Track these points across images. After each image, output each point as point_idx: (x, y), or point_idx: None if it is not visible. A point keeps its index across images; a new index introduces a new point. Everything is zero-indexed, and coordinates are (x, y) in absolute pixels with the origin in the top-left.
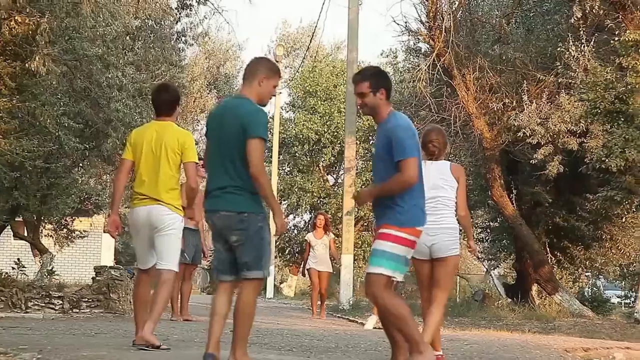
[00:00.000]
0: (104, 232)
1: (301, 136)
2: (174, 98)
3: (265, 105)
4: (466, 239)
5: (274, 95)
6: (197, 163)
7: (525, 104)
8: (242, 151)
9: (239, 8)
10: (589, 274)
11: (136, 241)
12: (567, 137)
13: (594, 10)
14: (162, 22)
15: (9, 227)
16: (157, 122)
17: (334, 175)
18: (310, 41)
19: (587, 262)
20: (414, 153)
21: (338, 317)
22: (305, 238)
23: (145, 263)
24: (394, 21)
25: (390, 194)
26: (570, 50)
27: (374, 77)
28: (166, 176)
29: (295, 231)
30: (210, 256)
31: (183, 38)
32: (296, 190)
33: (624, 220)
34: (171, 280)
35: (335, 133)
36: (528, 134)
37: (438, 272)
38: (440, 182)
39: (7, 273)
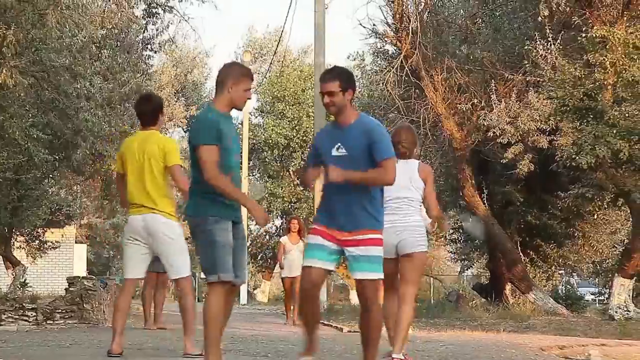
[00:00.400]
0: (76, 242)
1: (270, 141)
2: (155, 108)
3: (241, 109)
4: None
5: (249, 98)
6: (182, 166)
7: (494, 103)
8: (192, 158)
9: (205, 15)
10: (562, 271)
11: (128, 249)
12: (537, 135)
13: (560, 8)
14: (128, 31)
15: None
16: (142, 132)
17: None
18: (277, 46)
19: (560, 260)
20: (394, 153)
21: None
22: (280, 240)
23: (132, 273)
24: (360, 24)
25: (364, 184)
26: (537, 48)
27: (344, 77)
28: (153, 184)
29: (267, 237)
30: None
31: (149, 45)
32: (267, 195)
33: (595, 217)
34: (189, 287)
35: (305, 137)
36: (498, 134)
37: (405, 267)
38: (407, 182)
39: None
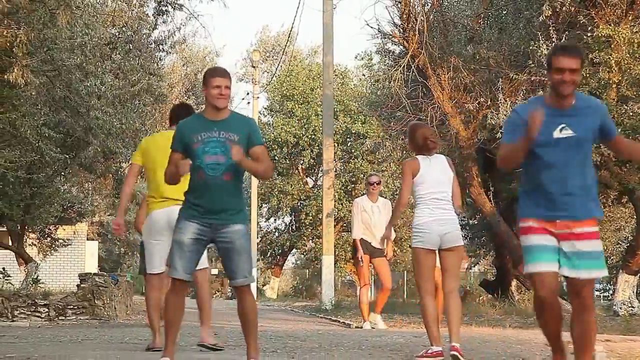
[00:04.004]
0: (87, 239)
1: (280, 140)
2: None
3: (219, 106)
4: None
5: (222, 94)
6: None
7: (500, 102)
8: None
9: (215, 14)
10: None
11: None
12: None
13: (564, 8)
14: (139, 31)
15: None
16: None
17: (313, 178)
18: (286, 46)
19: None
20: None
21: (320, 317)
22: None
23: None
24: (367, 24)
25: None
26: (541, 48)
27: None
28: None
29: (277, 234)
30: None
31: (161, 47)
32: (276, 193)
33: None
34: (204, 278)
35: (313, 136)
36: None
37: (450, 260)
38: (443, 177)
39: None
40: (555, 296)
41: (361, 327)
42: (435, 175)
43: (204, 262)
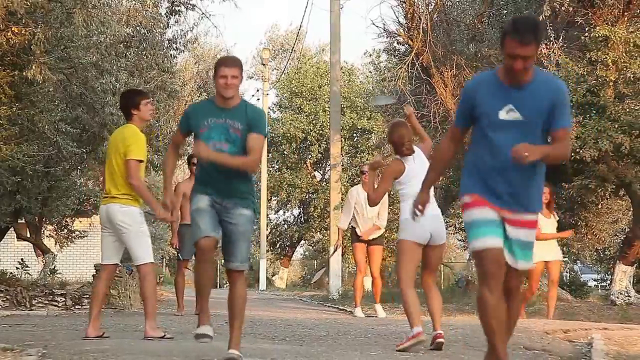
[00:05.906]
0: None
1: (289, 135)
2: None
3: (225, 96)
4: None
5: (228, 84)
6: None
7: None
8: None
9: (228, 13)
10: (567, 259)
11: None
12: None
13: (563, 8)
14: (153, 30)
15: (12, 229)
16: None
17: (321, 171)
18: (294, 44)
19: (564, 248)
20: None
21: (328, 306)
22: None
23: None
24: (373, 24)
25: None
26: (540, 47)
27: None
28: None
29: (286, 226)
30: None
31: (174, 45)
32: (285, 186)
33: (599, 206)
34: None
35: (321, 131)
36: None
37: (434, 256)
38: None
39: (11, 273)
40: (502, 274)
41: (353, 313)
42: (419, 175)
43: (147, 256)
